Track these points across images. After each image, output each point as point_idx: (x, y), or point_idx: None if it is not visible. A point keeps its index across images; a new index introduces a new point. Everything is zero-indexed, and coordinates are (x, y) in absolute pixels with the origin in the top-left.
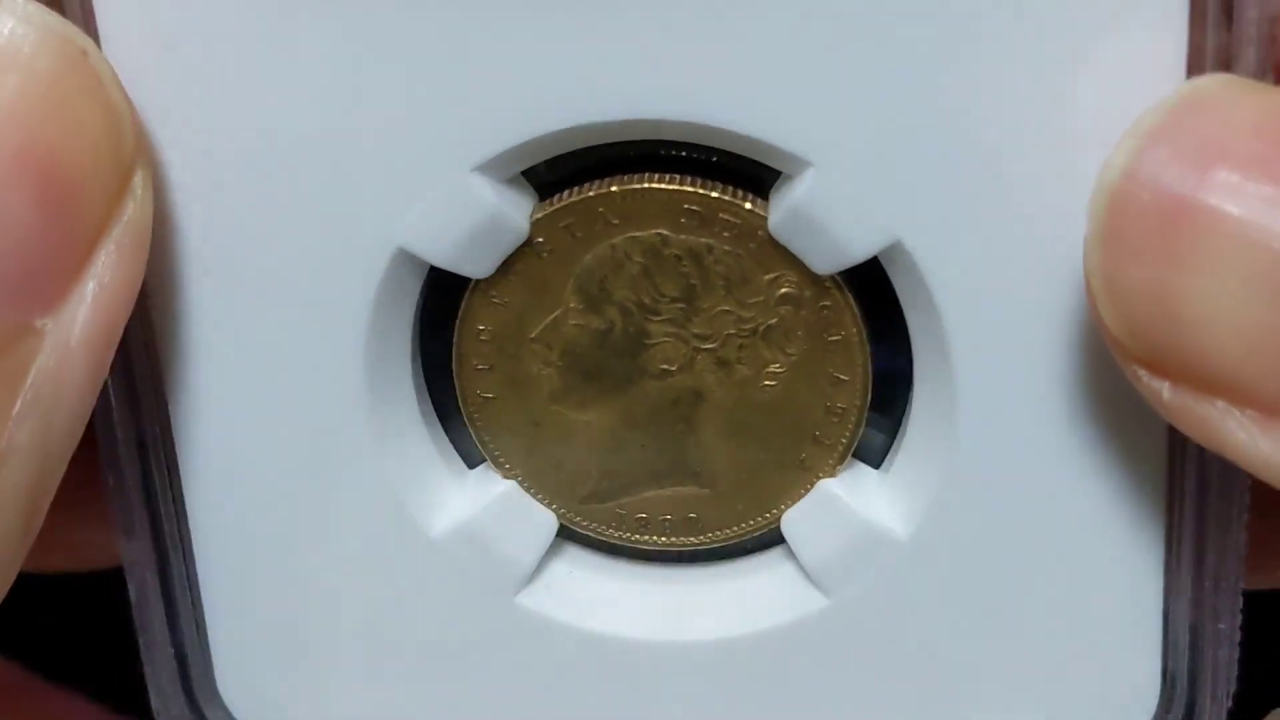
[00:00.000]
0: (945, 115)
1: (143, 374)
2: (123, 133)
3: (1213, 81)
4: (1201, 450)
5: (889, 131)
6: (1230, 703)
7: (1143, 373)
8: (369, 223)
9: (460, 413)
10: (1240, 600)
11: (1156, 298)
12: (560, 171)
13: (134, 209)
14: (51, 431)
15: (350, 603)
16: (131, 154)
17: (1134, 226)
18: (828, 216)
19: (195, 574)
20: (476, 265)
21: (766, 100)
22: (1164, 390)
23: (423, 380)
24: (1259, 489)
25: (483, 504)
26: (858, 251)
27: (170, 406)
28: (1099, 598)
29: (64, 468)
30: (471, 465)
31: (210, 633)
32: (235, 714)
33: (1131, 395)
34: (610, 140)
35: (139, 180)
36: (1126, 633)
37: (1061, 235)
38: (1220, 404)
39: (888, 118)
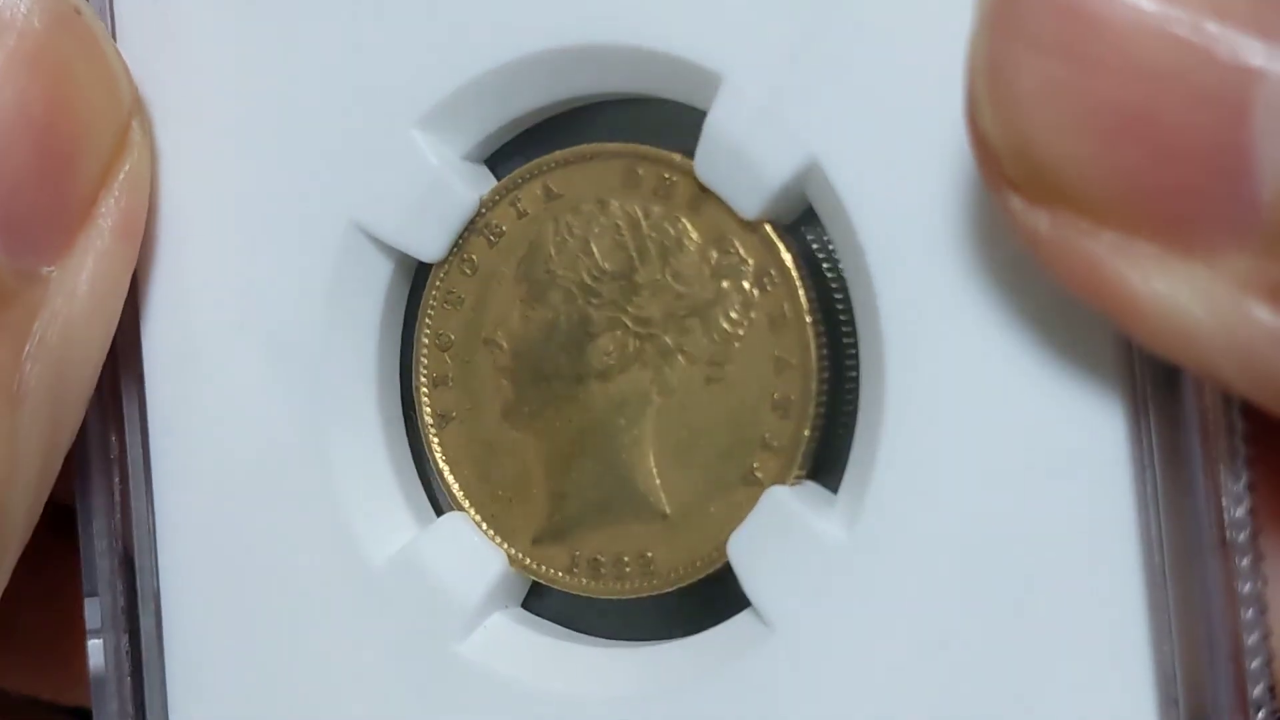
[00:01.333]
0: (854, 23)
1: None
2: (119, 86)
3: None
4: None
5: (794, 40)
6: None
7: (1017, 201)
8: (321, 196)
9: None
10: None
11: (1054, 99)
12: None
13: (134, 160)
14: (63, 379)
15: (296, 631)
16: (128, 107)
17: (1034, 17)
18: (743, 136)
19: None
20: (425, 242)
21: (677, 14)
22: (1043, 221)
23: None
24: None
25: (430, 535)
26: (775, 174)
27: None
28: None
29: (77, 420)
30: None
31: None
32: None
33: (1075, 321)
34: (538, 106)
35: (136, 132)
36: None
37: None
38: (1109, 236)
39: (795, 26)
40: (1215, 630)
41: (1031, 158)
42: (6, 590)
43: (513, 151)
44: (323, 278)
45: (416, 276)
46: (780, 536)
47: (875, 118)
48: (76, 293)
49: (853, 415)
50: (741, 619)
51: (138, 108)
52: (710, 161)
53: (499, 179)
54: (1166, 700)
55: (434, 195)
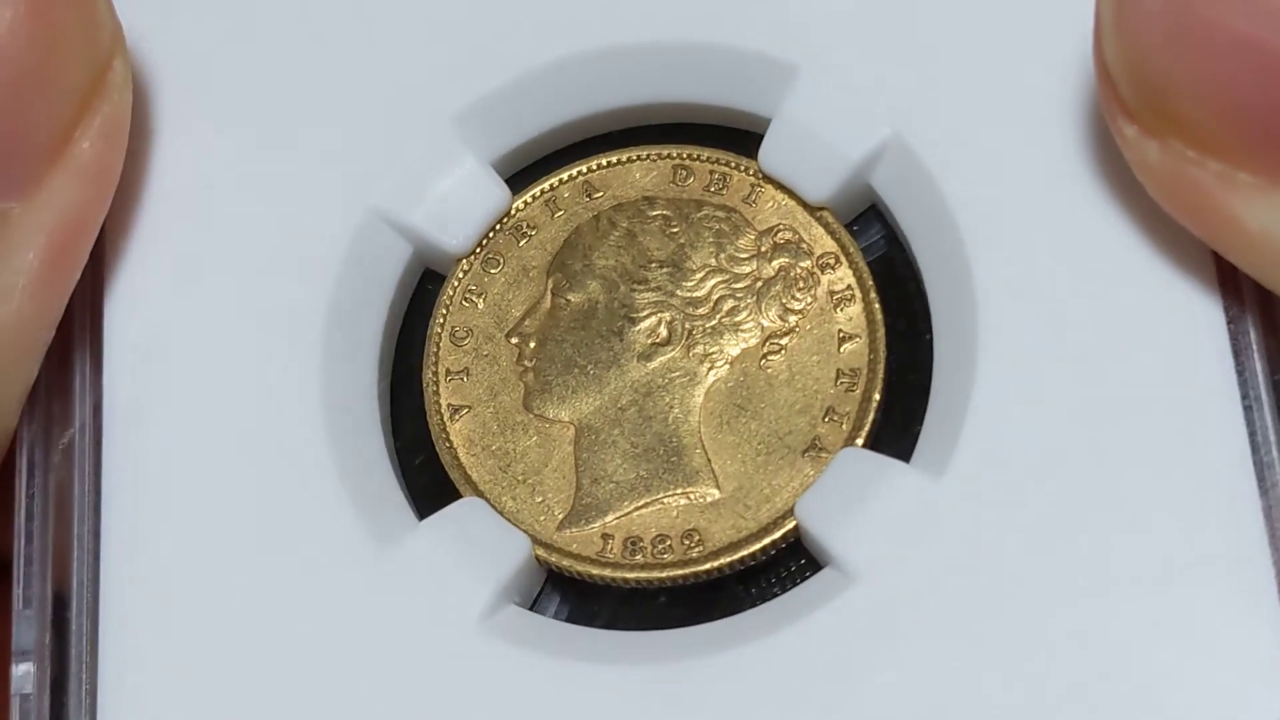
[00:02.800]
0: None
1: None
2: (98, 24)
3: None
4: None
5: (868, 27)
6: None
7: (1131, 130)
8: (339, 179)
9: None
10: None
11: (1173, 21)
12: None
13: (112, 104)
14: (17, 322)
15: (297, 622)
16: (109, 48)
17: None
18: (820, 120)
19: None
20: (455, 234)
21: (745, 9)
22: (1152, 150)
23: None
24: None
25: (443, 518)
26: (853, 152)
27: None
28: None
29: (22, 373)
30: (439, 489)
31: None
32: None
33: (1162, 276)
34: (587, 113)
35: (117, 74)
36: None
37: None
38: (1215, 165)
39: (866, 13)
40: None
41: (1148, 84)
42: None
43: (551, 165)
44: (334, 261)
45: (429, 272)
46: (860, 492)
47: (952, 94)
48: (39, 235)
49: (904, 385)
50: (819, 579)
51: (119, 48)
52: (779, 149)
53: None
54: None
55: (465, 189)
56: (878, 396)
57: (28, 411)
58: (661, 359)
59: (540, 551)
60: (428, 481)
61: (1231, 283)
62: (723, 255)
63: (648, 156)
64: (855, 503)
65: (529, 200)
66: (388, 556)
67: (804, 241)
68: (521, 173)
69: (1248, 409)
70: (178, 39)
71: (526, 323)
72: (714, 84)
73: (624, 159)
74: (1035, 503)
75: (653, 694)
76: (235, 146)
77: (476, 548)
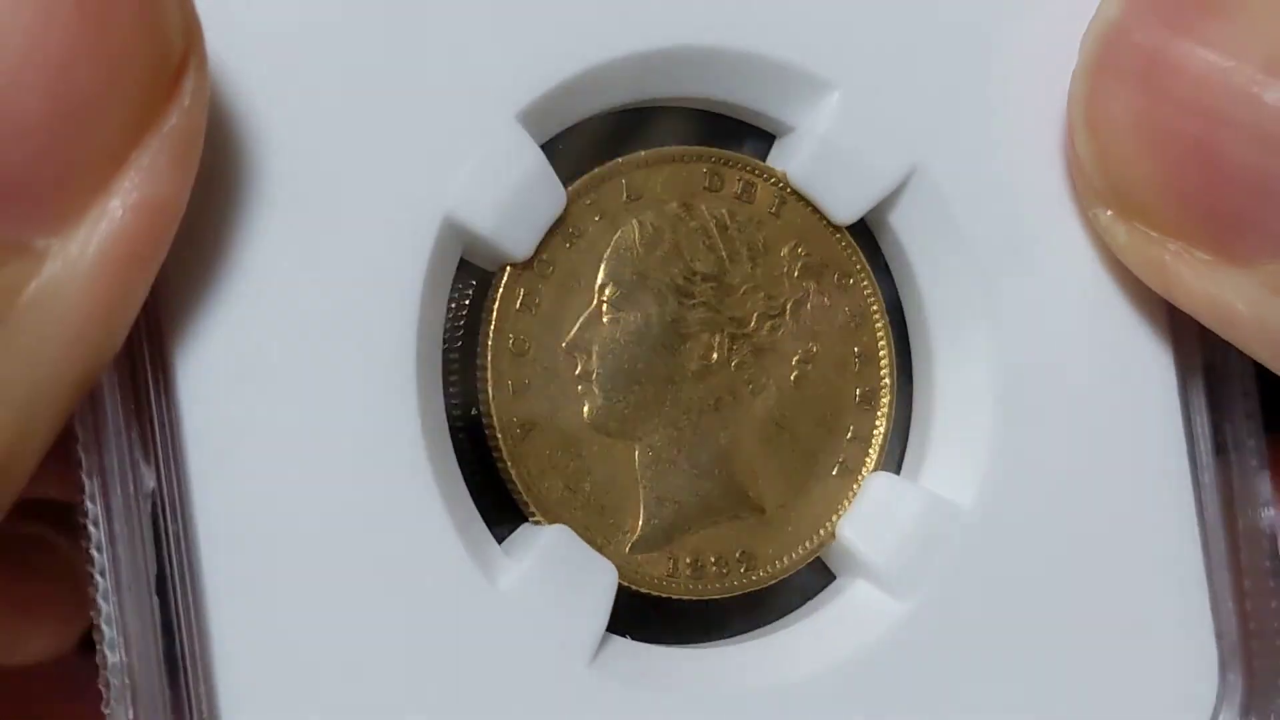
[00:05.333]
0: (960, 35)
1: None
2: (168, 30)
3: None
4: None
5: (906, 48)
6: None
7: (1105, 215)
8: (418, 185)
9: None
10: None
11: (1134, 127)
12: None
13: (179, 118)
14: (38, 370)
15: (407, 665)
16: (180, 55)
17: (1123, 59)
18: (853, 142)
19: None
20: (517, 238)
21: (794, 22)
22: (1121, 232)
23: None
24: None
25: (540, 549)
26: (882, 180)
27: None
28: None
29: (58, 416)
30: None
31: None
32: None
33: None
34: (620, 104)
35: (189, 86)
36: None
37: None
38: (1174, 246)
39: (904, 35)
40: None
41: (1115, 178)
42: None
43: (571, 141)
44: (417, 279)
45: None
46: (896, 514)
47: (977, 128)
48: (76, 272)
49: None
50: (858, 594)
51: (194, 54)
52: (814, 167)
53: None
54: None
55: (531, 192)
56: (886, 423)
57: (98, 451)
58: (711, 380)
59: (621, 580)
60: (490, 502)
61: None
62: (759, 271)
63: (683, 158)
64: (895, 527)
65: (574, 197)
66: (493, 592)
67: (827, 264)
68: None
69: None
70: (243, 37)
71: (584, 335)
72: (751, 89)
73: (660, 159)
74: (1057, 518)
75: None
76: (306, 149)
77: (574, 580)
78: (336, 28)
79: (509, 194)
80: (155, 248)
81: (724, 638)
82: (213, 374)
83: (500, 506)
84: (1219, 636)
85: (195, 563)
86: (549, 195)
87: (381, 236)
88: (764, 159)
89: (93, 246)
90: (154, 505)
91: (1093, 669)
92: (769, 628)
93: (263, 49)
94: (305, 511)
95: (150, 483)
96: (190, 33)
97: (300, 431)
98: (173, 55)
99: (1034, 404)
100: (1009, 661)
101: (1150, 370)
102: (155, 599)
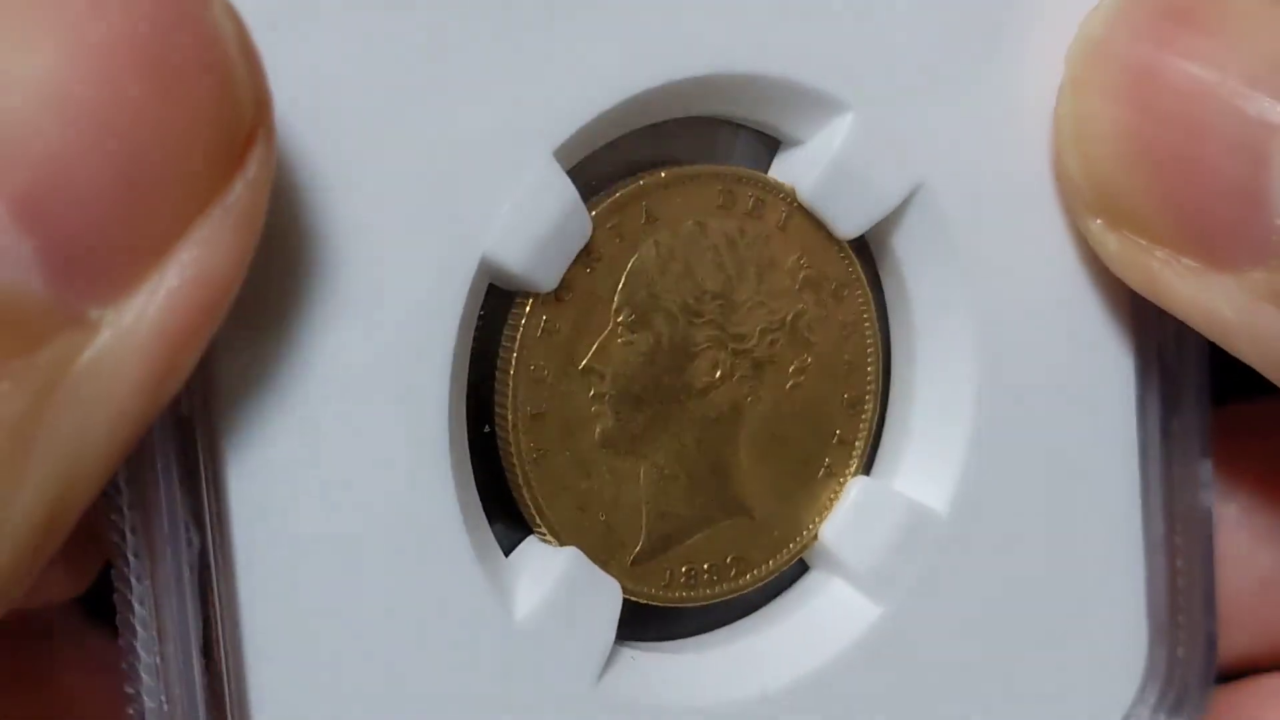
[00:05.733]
0: (969, 56)
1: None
2: (239, 102)
3: None
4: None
5: (919, 66)
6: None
7: (1095, 224)
8: (457, 230)
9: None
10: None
11: (1119, 141)
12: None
13: (243, 191)
14: (86, 439)
15: (428, 694)
16: (249, 126)
17: (1107, 75)
18: (864, 162)
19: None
20: (546, 272)
21: (814, 45)
22: (1111, 241)
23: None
24: None
25: (554, 577)
26: (890, 197)
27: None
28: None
29: (101, 482)
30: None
31: None
32: None
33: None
34: (651, 121)
35: (256, 157)
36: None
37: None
38: (1161, 253)
39: (917, 54)
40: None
41: (1103, 190)
42: None
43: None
44: (454, 321)
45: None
46: (877, 520)
47: (982, 148)
48: (129, 345)
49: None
50: (838, 596)
51: (262, 125)
52: (824, 186)
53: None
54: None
55: (564, 227)
56: (870, 427)
57: (142, 508)
58: (714, 396)
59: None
60: (502, 524)
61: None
62: (763, 288)
63: (699, 177)
64: (874, 532)
65: (598, 226)
66: (510, 623)
67: (825, 276)
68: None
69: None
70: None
71: (599, 359)
72: (769, 109)
73: (677, 179)
74: (1028, 523)
75: None
76: (340, 191)
77: (584, 603)
78: (370, 73)
79: (545, 231)
80: (209, 321)
81: (707, 629)
82: (256, 427)
83: (503, 499)
84: (1150, 615)
85: (236, 619)
86: (579, 228)
87: (422, 281)
88: (761, 153)
89: (147, 319)
90: (201, 561)
91: (1038, 657)
92: (751, 618)
93: (300, 99)
94: (341, 555)
95: (197, 540)
96: (260, 104)
97: (335, 477)
98: (242, 127)
99: (1010, 413)
100: (976, 657)
101: (1113, 371)
102: (200, 658)
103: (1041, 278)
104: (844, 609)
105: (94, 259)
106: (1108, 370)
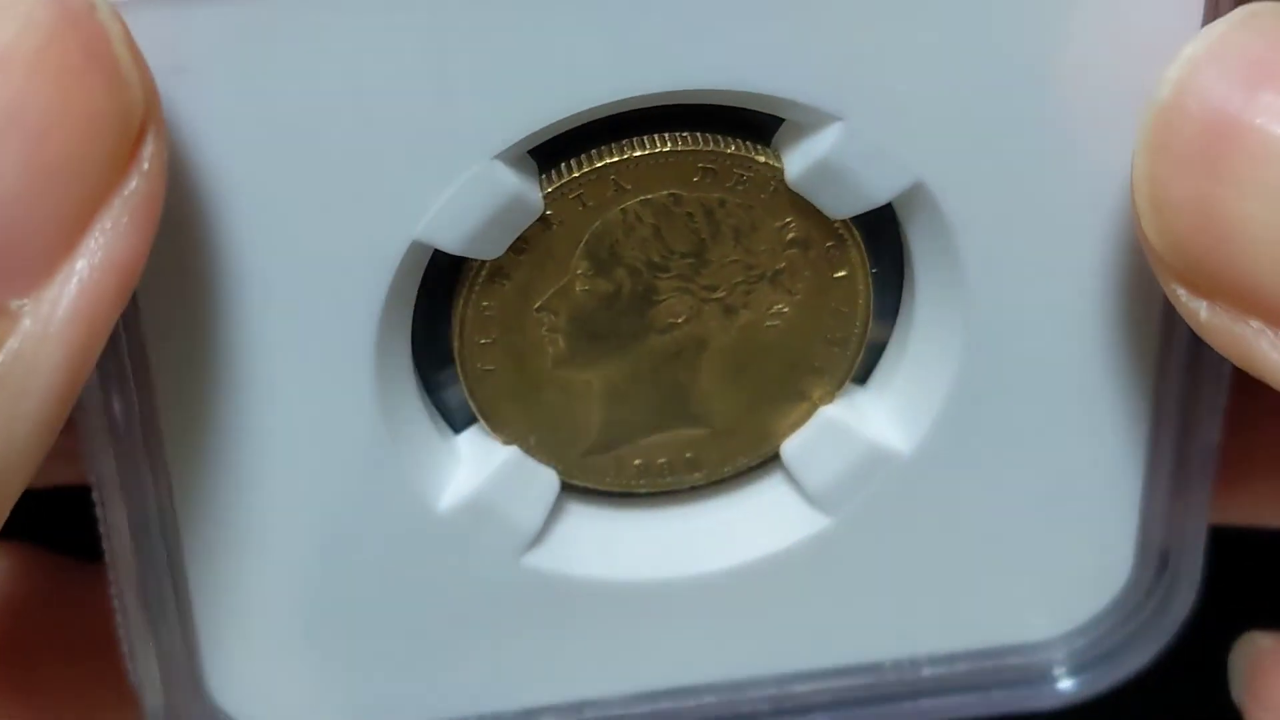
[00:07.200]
0: (963, 58)
1: (122, 351)
2: (130, 97)
3: (1264, 7)
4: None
5: (916, 79)
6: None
7: (1182, 291)
8: (388, 218)
9: (439, 375)
10: (1211, 480)
11: (1200, 212)
12: (559, 138)
13: (139, 182)
14: (15, 423)
15: (354, 587)
16: (140, 121)
17: (1181, 141)
18: (853, 166)
19: (181, 559)
20: (490, 248)
21: (799, 61)
22: (1201, 310)
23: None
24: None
25: (487, 473)
26: (879, 196)
27: (156, 385)
28: (1085, 480)
29: (32, 464)
30: (457, 428)
31: (197, 619)
32: (223, 705)
33: (1127, 304)
34: (626, 110)
35: (149, 150)
36: (1108, 508)
37: (1076, 169)
38: (1255, 324)
39: (914, 67)
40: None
41: (1186, 260)
42: None
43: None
44: (380, 287)
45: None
46: (839, 451)
47: (980, 147)
48: (48, 329)
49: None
50: (788, 500)
51: (153, 121)
52: (812, 178)
53: (546, 167)
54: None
55: (508, 211)
56: (857, 362)
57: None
58: (678, 332)
59: (564, 476)
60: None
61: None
62: (740, 247)
63: (676, 150)
64: (831, 459)
65: (560, 194)
66: (430, 508)
67: (815, 239)
68: (545, 153)
69: None
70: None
71: (554, 301)
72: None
73: (652, 152)
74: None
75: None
76: (271, 182)
77: (511, 493)
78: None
79: (481, 222)
80: (119, 303)
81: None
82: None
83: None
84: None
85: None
86: (526, 208)
87: (347, 257)
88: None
89: (63, 306)
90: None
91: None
92: (697, 503)
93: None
94: (266, 450)
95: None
96: (149, 99)
97: (261, 379)
98: (133, 122)
99: (994, 385)
100: (918, 585)
101: (1121, 366)
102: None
103: (1046, 276)
104: (792, 512)
105: (12, 253)
106: (1111, 365)
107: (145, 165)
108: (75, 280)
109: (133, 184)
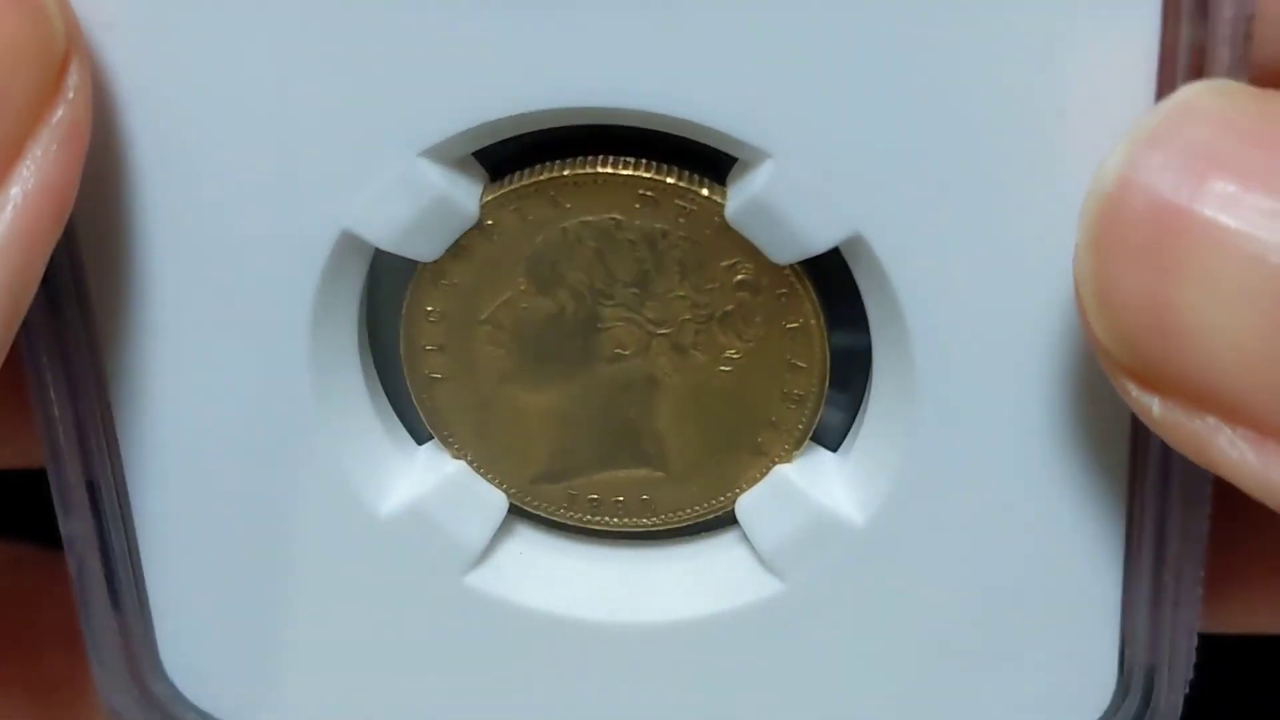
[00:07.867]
0: (907, 108)
1: (80, 349)
2: (50, 27)
3: (1208, 87)
4: (1164, 444)
5: (851, 123)
6: (1188, 690)
7: (1132, 386)
8: (314, 204)
9: (409, 393)
10: (1200, 590)
11: (1148, 308)
12: (512, 149)
13: (66, 110)
14: None
15: (296, 582)
16: (62, 50)
17: (1127, 234)
18: (787, 208)
19: (138, 551)
20: (424, 248)
21: (723, 90)
22: (1154, 405)
23: (370, 361)
24: (1221, 488)
25: (432, 484)
26: (817, 243)
27: (110, 382)
28: (1057, 585)
29: None
30: (420, 442)
31: (154, 609)
32: (182, 690)
33: (1093, 387)
34: (562, 124)
35: (73, 79)
36: (1084, 620)
37: (1023, 229)
38: (1211, 420)
39: (849, 110)
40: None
41: (1137, 357)
42: None
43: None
44: (311, 263)
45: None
46: (791, 511)
47: (922, 196)
48: None
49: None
50: (743, 559)
51: (75, 49)
52: (747, 216)
53: (498, 177)
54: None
55: (436, 212)
56: (812, 419)
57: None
58: (626, 365)
59: (515, 500)
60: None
61: None
62: (686, 283)
63: (616, 174)
64: (783, 522)
65: (499, 203)
66: (376, 513)
67: (765, 284)
68: (501, 163)
69: None
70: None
71: (499, 314)
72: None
73: (589, 172)
74: (952, 547)
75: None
76: (197, 150)
77: (456, 506)
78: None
79: (409, 219)
80: (54, 229)
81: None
82: (139, 350)
83: None
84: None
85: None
86: (459, 213)
87: (281, 248)
88: None
89: (2, 229)
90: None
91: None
92: (652, 548)
93: (167, 63)
94: (211, 462)
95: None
96: (70, 32)
97: (211, 398)
98: (56, 54)
99: (949, 446)
100: (869, 663)
101: (1099, 454)
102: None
103: (998, 350)
104: (744, 572)
105: None
106: (1089, 434)
107: (70, 95)
108: (10, 206)
109: (59, 113)
